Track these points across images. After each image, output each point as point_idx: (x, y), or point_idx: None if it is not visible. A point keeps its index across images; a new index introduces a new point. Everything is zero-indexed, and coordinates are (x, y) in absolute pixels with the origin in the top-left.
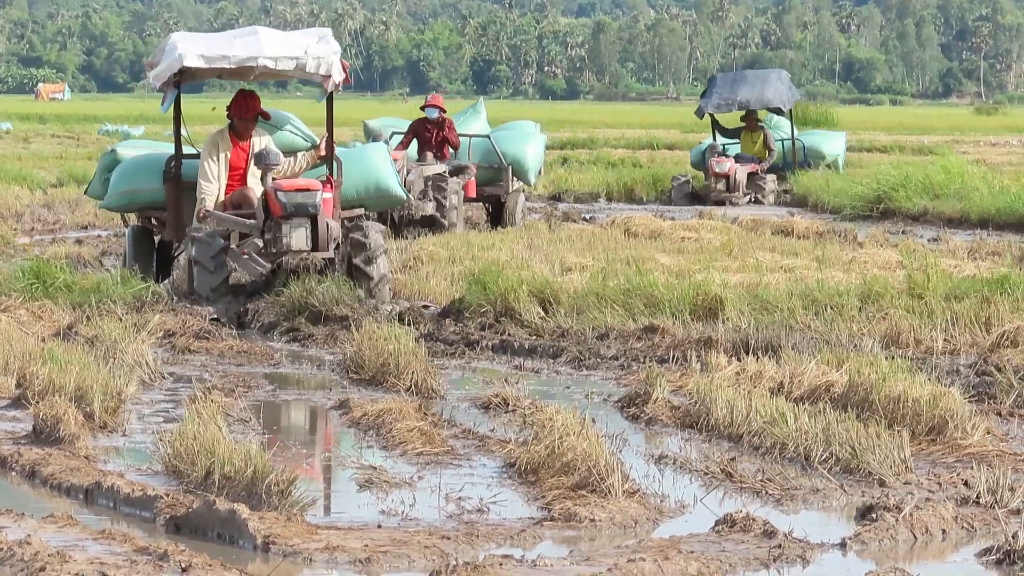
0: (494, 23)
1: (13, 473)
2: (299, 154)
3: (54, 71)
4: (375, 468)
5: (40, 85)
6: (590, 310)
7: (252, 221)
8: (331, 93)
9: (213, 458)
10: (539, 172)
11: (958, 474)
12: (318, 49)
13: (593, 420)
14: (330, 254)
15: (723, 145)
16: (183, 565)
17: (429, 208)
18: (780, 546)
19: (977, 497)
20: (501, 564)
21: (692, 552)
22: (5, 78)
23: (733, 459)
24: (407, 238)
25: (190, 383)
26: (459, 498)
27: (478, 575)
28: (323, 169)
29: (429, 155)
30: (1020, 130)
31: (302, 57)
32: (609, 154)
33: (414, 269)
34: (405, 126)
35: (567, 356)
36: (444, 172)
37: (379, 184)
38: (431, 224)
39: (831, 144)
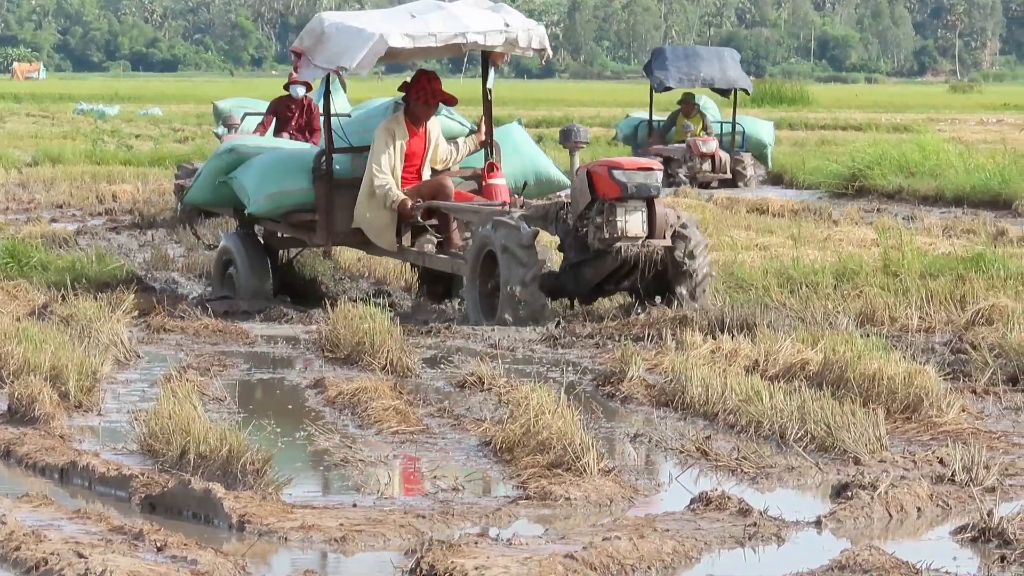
0: None
1: None
2: (460, 140)
3: (29, 50)
4: (350, 447)
5: (15, 64)
6: None
7: (492, 207)
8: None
9: (188, 437)
10: None
11: (933, 452)
12: (521, 21)
13: (568, 399)
14: (667, 242)
15: (658, 123)
16: (158, 544)
17: None
18: (755, 524)
19: (952, 475)
20: (476, 543)
21: (667, 530)
22: None
23: (708, 437)
24: None
25: (165, 362)
26: (434, 477)
27: (453, 554)
28: (481, 156)
29: (286, 137)
30: (995, 108)
31: (511, 31)
32: None
33: None
34: (258, 107)
35: (542, 334)
36: None
37: (539, 170)
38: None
39: (766, 131)
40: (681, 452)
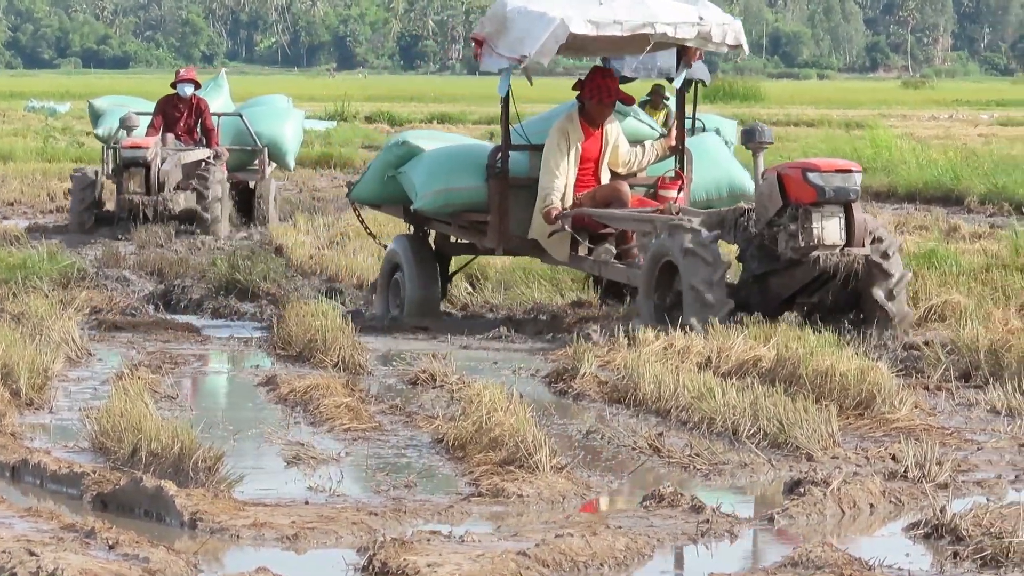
0: None
1: None
2: (647, 143)
3: None
4: (302, 444)
5: None
6: (517, 285)
7: (657, 215)
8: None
9: (140, 435)
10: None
11: (886, 448)
12: (717, 15)
13: (521, 395)
14: (867, 250)
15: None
16: (110, 542)
17: (183, 200)
18: (708, 521)
19: (905, 471)
20: (429, 540)
21: (620, 527)
22: None
23: (661, 434)
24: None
25: (117, 360)
26: (386, 474)
27: (406, 551)
28: (668, 163)
29: (171, 138)
30: (947, 104)
31: (704, 23)
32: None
33: (340, 245)
34: (137, 105)
35: (494, 331)
36: (209, 159)
37: (733, 182)
38: (190, 220)
39: (728, 129)
40: (634, 448)
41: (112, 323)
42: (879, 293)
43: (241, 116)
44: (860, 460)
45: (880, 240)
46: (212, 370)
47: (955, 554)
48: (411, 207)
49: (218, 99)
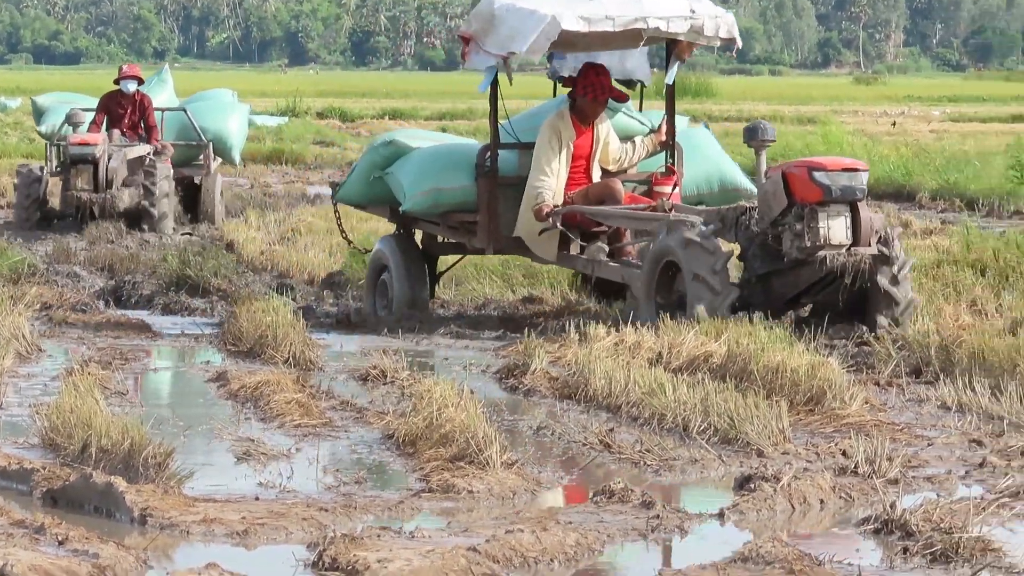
0: None
1: None
2: (637, 139)
3: None
4: (253, 440)
5: None
6: (469, 281)
7: (651, 212)
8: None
9: (90, 431)
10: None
11: (836, 444)
12: (708, 8)
13: (471, 391)
14: (873, 250)
15: None
16: (60, 538)
17: (128, 197)
18: (658, 516)
19: (855, 467)
20: (379, 536)
21: (570, 523)
22: None
23: (611, 430)
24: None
25: (67, 356)
26: (337, 470)
27: (356, 547)
28: (660, 159)
29: (117, 134)
30: (899, 100)
31: (696, 17)
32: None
33: (291, 241)
34: (81, 102)
35: (445, 327)
36: (150, 155)
37: (724, 176)
38: (136, 218)
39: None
40: (584, 444)
41: (62, 319)
42: (883, 320)
43: (185, 111)
44: (810, 456)
45: (891, 260)
46: (162, 366)
47: (905, 549)
48: (400, 208)
49: (162, 94)
